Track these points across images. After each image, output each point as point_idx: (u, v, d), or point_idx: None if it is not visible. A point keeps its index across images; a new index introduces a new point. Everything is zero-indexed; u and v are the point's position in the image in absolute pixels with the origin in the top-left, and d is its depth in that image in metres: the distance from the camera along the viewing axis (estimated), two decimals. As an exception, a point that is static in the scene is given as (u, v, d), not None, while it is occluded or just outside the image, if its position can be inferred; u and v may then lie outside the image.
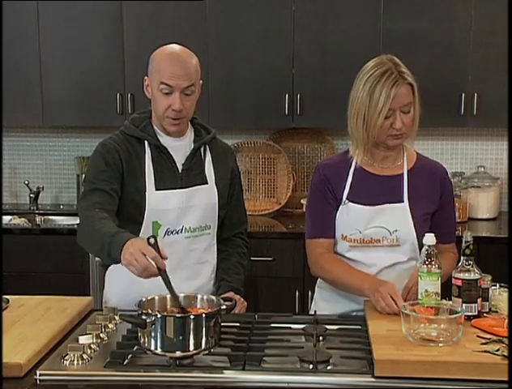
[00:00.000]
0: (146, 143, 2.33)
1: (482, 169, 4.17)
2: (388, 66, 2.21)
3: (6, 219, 4.14)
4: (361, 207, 2.30)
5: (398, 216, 2.29)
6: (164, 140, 2.34)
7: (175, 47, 2.30)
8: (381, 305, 2.09)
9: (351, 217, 2.31)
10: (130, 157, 2.31)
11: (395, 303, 2.06)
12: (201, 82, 2.35)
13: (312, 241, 2.38)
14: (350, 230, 2.31)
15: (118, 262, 1.99)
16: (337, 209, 2.33)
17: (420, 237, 2.23)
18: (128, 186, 2.29)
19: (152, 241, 1.90)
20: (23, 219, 4.19)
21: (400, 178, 2.33)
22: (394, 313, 2.05)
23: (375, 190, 2.32)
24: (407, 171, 2.34)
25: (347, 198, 2.32)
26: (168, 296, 1.96)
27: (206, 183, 2.38)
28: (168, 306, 1.95)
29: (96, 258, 3.59)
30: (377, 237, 2.29)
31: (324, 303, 2.43)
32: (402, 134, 2.25)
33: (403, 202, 2.30)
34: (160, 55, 2.29)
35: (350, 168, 2.35)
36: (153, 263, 1.88)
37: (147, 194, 2.29)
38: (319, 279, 2.47)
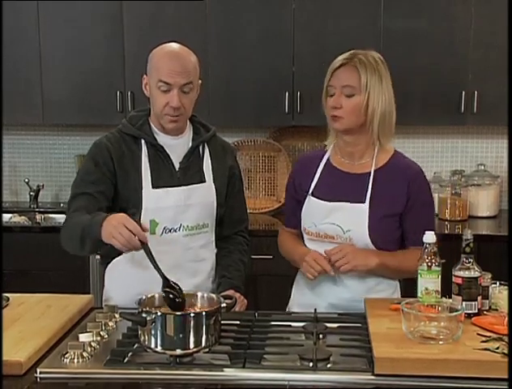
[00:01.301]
0: (142, 141, 2.33)
1: (482, 167, 4.17)
2: (356, 53, 2.28)
3: (6, 217, 4.15)
4: (319, 201, 2.33)
5: (353, 217, 2.27)
6: (161, 139, 2.34)
7: (173, 45, 2.31)
8: (314, 274, 2.24)
9: (310, 211, 2.35)
10: (122, 156, 2.30)
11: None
12: (200, 81, 2.34)
13: (282, 227, 2.59)
14: (308, 223, 2.35)
15: (100, 243, 2.04)
16: (303, 202, 2.38)
17: (377, 239, 2.26)
18: (122, 185, 2.29)
19: (133, 214, 1.99)
20: (23, 217, 4.20)
21: (365, 178, 2.30)
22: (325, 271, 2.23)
23: (338, 187, 2.33)
24: (375, 170, 2.31)
25: (313, 191, 2.36)
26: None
27: (204, 181, 2.38)
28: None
29: (97, 256, 3.59)
30: (331, 234, 2.30)
31: (301, 296, 2.44)
32: (339, 117, 2.25)
33: (363, 202, 2.27)
34: (159, 53, 2.29)
35: (321, 161, 2.39)
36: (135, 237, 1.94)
37: (143, 192, 2.29)
38: (298, 274, 2.49)
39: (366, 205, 2.26)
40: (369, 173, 2.31)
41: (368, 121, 2.25)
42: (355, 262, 2.20)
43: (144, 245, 1.96)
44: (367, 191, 2.28)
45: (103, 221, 2.03)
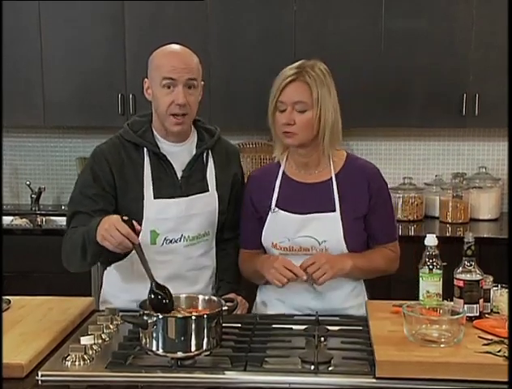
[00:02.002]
0: (145, 149, 2.29)
1: (484, 170, 4.17)
2: (303, 66, 2.22)
3: (7, 219, 4.15)
4: (290, 215, 2.28)
5: (327, 226, 2.26)
6: (164, 146, 2.30)
7: (174, 46, 2.29)
8: (283, 281, 2.16)
9: (280, 225, 2.29)
10: (122, 165, 2.27)
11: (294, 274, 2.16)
12: (202, 83, 2.32)
13: (242, 250, 2.45)
14: (279, 238, 2.29)
15: (99, 247, 2.05)
16: (265, 218, 2.32)
17: (352, 244, 2.25)
18: (122, 196, 2.27)
19: (126, 218, 1.99)
20: (24, 219, 4.20)
21: (328, 185, 2.29)
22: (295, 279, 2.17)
23: (304, 199, 2.30)
24: (335, 175, 2.30)
25: (276, 206, 2.31)
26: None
27: (207, 190, 2.34)
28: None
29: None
30: (305, 247, 2.27)
31: (263, 306, 2.41)
32: (293, 133, 2.22)
33: (334, 211, 2.26)
34: (160, 54, 2.27)
35: (277, 176, 2.35)
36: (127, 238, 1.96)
37: (145, 202, 2.26)
38: (260, 285, 2.45)
39: (337, 213, 2.26)
40: (330, 179, 2.30)
41: (320, 133, 2.23)
42: (333, 270, 2.17)
43: (135, 246, 1.97)
44: (334, 198, 2.27)
45: (98, 224, 2.04)
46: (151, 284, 1.93)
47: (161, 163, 2.29)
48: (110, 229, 1.97)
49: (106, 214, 2.20)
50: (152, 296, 1.91)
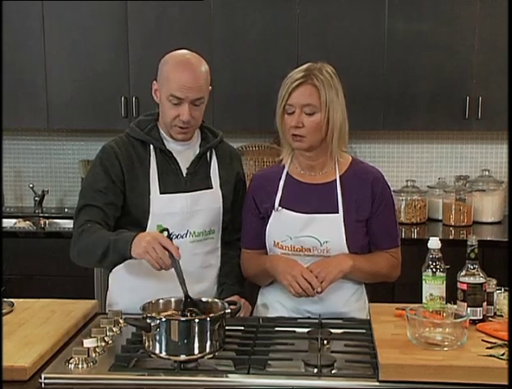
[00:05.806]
0: (151, 146, 2.33)
1: (487, 173, 4.17)
2: (311, 68, 2.22)
3: (10, 222, 4.16)
4: (294, 214, 2.28)
5: (330, 227, 2.25)
6: (170, 144, 2.34)
7: (185, 54, 2.28)
8: (298, 291, 2.16)
9: (283, 224, 2.29)
10: (131, 162, 2.30)
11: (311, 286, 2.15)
12: (210, 88, 2.32)
13: (243, 250, 2.44)
14: (281, 237, 2.29)
15: (124, 259, 2.06)
16: (268, 217, 2.32)
17: (354, 246, 2.25)
18: (130, 191, 2.29)
19: (166, 233, 2.01)
20: (27, 222, 4.20)
21: (332, 186, 2.29)
22: (309, 296, 2.17)
23: (308, 199, 2.30)
24: (339, 177, 2.30)
25: (279, 205, 2.31)
26: (173, 299, 1.98)
27: (211, 188, 2.38)
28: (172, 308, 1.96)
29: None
30: (307, 247, 2.26)
31: (264, 309, 2.41)
32: (301, 137, 2.22)
33: (337, 212, 2.26)
34: (171, 63, 2.25)
35: (281, 176, 2.35)
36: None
37: (151, 197, 2.29)
38: (262, 287, 2.46)
39: (340, 214, 2.26)
40: (334, 181, 2.30)
41: (328, 135, 2.24)
42: (330, 276, 2.18)
43: (175, 261, 1.97)
44: (337, 200, 2.27)
45: (133, 238, 2.04)
46: (185, 301, 1.95)
47: (167, 159, 2.33)
48: (152, 241, 1.98)
49: (115, 208, 2.25)
50: (186, 313, 1.94)
